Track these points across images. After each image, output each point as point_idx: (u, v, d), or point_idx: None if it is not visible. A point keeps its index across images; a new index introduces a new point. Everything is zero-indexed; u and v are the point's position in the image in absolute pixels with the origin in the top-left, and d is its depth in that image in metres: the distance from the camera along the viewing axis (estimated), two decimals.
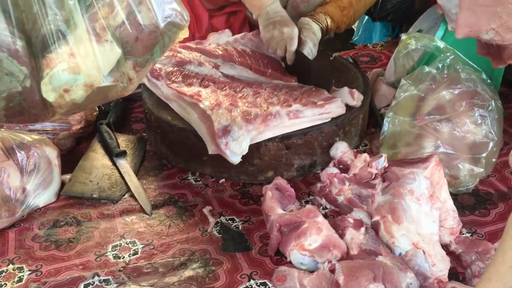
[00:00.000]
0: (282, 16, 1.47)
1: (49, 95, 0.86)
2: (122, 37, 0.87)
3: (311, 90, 1.37)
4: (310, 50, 1.48)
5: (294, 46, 1.44)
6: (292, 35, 1.43)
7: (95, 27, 0.84)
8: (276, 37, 1.45)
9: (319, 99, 1.31)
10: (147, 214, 1.19)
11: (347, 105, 1.33)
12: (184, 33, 0.96)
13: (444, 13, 1.05)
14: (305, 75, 1.45)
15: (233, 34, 1.71)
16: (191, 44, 1.56)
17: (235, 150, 1.17)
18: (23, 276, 1.03)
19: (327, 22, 1.56)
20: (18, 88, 0.83)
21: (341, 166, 1.25)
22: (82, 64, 0.84)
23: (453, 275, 1.01)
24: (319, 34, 1.53)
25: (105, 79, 0.87)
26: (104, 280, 1.01)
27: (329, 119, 1.29)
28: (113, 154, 1.36)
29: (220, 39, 1.59)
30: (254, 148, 1.23)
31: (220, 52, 1.51)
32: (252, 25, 1.80)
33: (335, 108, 1.29)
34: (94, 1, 0.84)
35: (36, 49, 0.83)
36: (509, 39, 0.95)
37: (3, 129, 1.28)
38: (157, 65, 1.41)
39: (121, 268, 1.04)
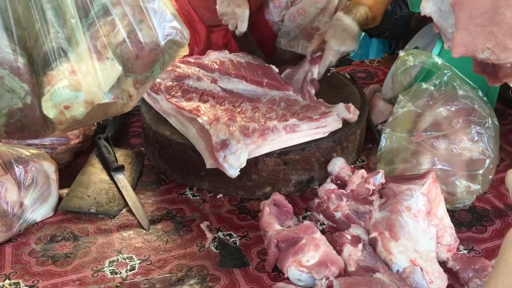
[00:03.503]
0: None
1: (50, 112, 0.87)
2: (122, 54, 0.88)
3: (309, 106, 1.38)
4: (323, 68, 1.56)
5: (243, 28, 1.58)
6: (242, 17, 1.56)
7: (96, 44, 0.85)
8: (229, 14, 1.58)
9: (315, 114, 1.32)
10: (145, 229, 1.19)
11: (344, 121, 1.34)
12: (184, 51, 0.96)
13: (440, 32, 1.07)
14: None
15: (231, 48, 1.72)
16: (190, 59, 1.57)
17: (233, 163, 1.17)
18: None
19: (363, 12, 1.50)
20: (19, 105, 0.84)
21: (339, 182, 1.25)
22: (83, 81, 0.85)
23: None
24: (353, 27, 1.49)
25: (106, 96, 0.88)
26: None
27: (326, 134, 1.30)
28: (111, 168, 1.36)
29: (219, 57, 1.61)
30: (252, 164, 1.23)
31: (217, 66, 1.53)
32: None
33: (331, 122, 1.30)
34: (96, 19, 0.85)
35: (38, 66, 0.84)
36: (504, 58, 0.97)
37: (1, 144, 1.27)
38: (157, 80, 1.42)
39: (118, 284, 1.04)
